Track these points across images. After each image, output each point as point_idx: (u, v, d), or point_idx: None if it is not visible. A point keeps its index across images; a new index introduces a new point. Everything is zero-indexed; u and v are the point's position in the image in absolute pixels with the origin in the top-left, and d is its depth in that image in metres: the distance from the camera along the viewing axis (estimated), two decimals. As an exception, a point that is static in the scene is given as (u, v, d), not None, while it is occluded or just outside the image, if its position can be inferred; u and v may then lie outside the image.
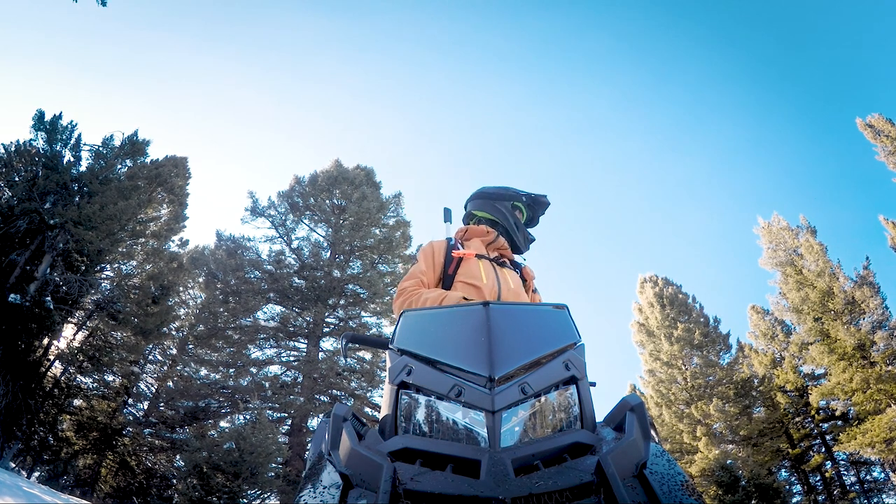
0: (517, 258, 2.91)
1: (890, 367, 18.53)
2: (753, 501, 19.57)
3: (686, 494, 1.20)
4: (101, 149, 18.42)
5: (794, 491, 24.81)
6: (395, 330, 1.71)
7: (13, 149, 16.93)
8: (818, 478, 24.19)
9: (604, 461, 1.18)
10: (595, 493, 1.17)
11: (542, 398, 1.44)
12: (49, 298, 15.28)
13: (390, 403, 1.51)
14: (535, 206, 2.98)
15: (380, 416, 1.62)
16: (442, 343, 1.58)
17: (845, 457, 23.36)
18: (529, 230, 2.97)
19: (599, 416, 1.58)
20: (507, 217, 2.84)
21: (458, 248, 2.71)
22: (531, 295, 2.77)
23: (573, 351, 1.56)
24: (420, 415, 1.44)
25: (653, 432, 1.53)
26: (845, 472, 24.21)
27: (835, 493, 23.43)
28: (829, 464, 23.41)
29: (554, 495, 1.16)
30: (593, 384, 1.71)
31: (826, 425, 23.32)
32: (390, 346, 1.67)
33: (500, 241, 2.76)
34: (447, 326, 1.65)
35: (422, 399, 1.46)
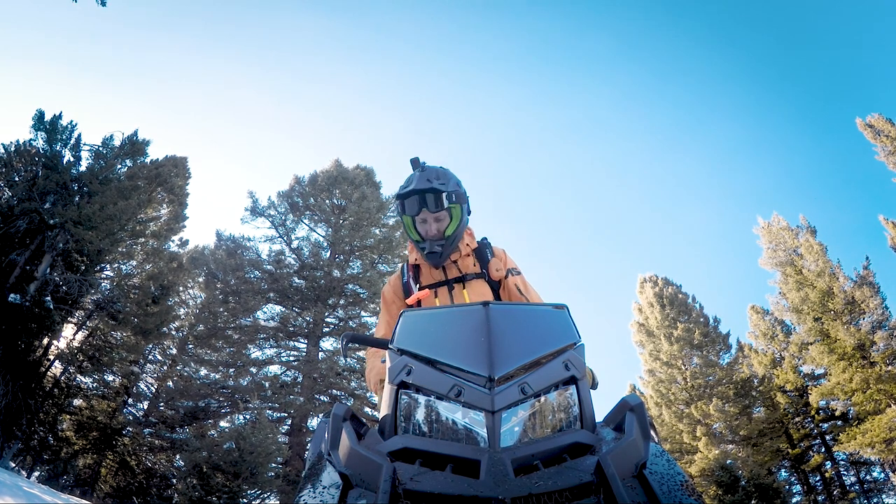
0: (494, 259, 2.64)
1: (890, 367, 18.53)
2: (753, 501, 19.59)
3: (686, 494, 1.20)
4: (100, 149, 18.42)
5: (794, 491, 24.84)
6: (395, 330, 1.71)
7: (13, 149, 16.93)
8: (818, 478, 24.20)
9: (603, 461, 1.18)
10: (595, 494, 1.18)
11: (542, 398, 1.44)
12: (49, 298, 15.28)
13: (390, 403, 1.51)
14: (409, 199, 2.46)
15: (379, 415, 1.62)
16: (442, 343, 1.57)
17: (845, 457, 23.36)
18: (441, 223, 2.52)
19: (599, 416, 1.58)
20: (410, 237, 2.60)
21: (412, 287, 2.60)
22: (505, 281, 2.57)
23: (573, 351, 1.56)
24: (420, 415, 1.45)
25: (652, 432, 1.54)
26: (845, 473, 24.22)
27: (835, 493, 23.44)
28: (828, 464, 23.42)
29: (554, 495, 1.16)
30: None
31: (826, 425, 23.33)
32: (390, 346, 1.67)
33: (446, 259, 2.57)
34: (447, 326, 1.65)
35: (421, 399, 1.46)
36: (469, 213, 2.63)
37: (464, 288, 2.53)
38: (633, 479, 1.24)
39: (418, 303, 2.54)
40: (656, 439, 1.55)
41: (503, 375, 1.41)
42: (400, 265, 2.79)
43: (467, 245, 2.63)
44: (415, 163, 2.58)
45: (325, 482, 1.31)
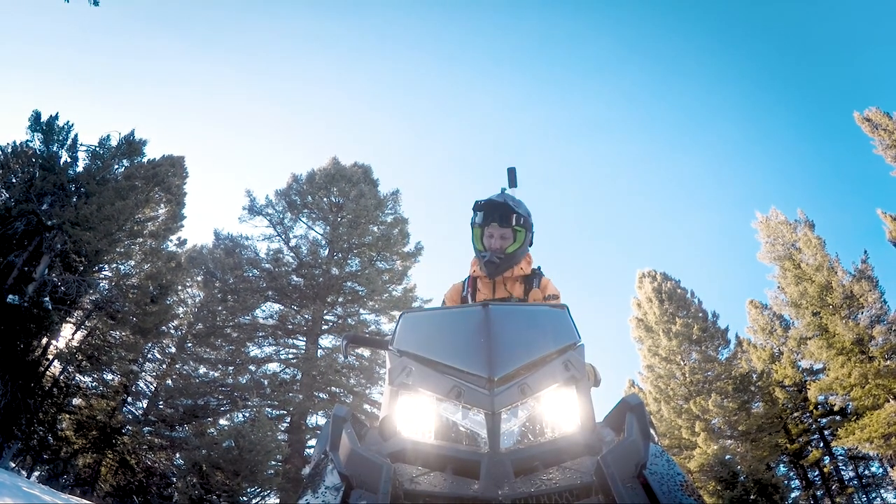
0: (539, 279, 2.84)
1: (888, 362, 18.48)
2: (752, 497, 19.65)
3: (686, 495, 1.19)
4: (97, 149, 18.35)
5: (793, 486, 24.94)
6: (394, 331, 1.71)
7: (10, 150, 16.87)
8: (817, 473, 24.27)
9: (603, 462, 1.18)
10: (595, 494, 1.18)
11: (542, 399, 1.44)
12: (48, 299, 15.24)
13: (390, 405, 1.51)
14: (484, 210, 2.72)
15: (380, 416, 1.62)
16: (441, 344, 1.57)
17: (844, 452, 23.41)
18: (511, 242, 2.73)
19: (599, 416, 1.58)
20: (474, 246, 2.80)
21: (469, 301, 2.83)
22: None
23: (573, 351, 1.56)
24: (420, 416, 1.45)
25: (652, 432, 1.53)
26: (844, 468, 24.30)
27: (833, 488, 23.53)
28: (827, 459, 23.48)
29: (553, 497, 1.16)
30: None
31: (824, 420, 23.39)
32: (390, 348, 1.66)
33: (501, 274, 2.76)
34: (447, 327, 1.65)
35: (422, 400, 1.46)
36: (531, 243, 2.87)
37: None
38: (633, 480, 1.23)
39: None
40: (656, 439, 1.55)
41: (503, 376, 1.41)
42: (464, 278, 3.02)
43: (521, 269, 2.82)
44: (511, 172, 2.90)
45: (327, 483, 1.31)
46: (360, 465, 1.29)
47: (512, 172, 2.91)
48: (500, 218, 2.69)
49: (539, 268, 2.93)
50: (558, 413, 1.45)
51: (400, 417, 1.46)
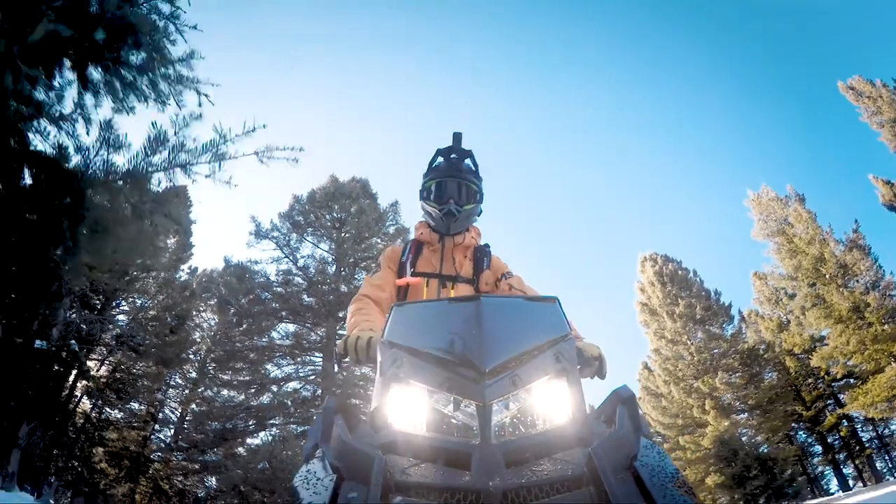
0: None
1: (885, 326, 18.58)
2: (753, 472, 19.70)
3: (675, 487, 1.24)
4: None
5: (814, 451, 24.78)
6: (385, 323, 1.73)
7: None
8: (836, 437, 24.04)
9: (594, 453, 1.20)
10: (586, 486, 1.24)
11: (533, 390, 1.48)
12: (74, 341, 15.51)
13: (381, 396, 1.52)
14: (440, 170, 2.60)
15: (370, 409, 1.61)
16: (433, 336, 1.58)
17: (860, 414, 23.28)
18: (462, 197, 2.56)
19: (590, 408, 1.62)
20: (426, 209, 2.64)
21: (407, 270, 2.63)
22: (497, 286, 2.58)
23: (564, 343, 1.58)
24: (411, 408, 1.46)
25: (644, 425, 1.56)
26: (862, 429, 24.04)
27: (856, 449, 23.30)
28: (845, 422, 23.27)
29: (545, 487, 1.22)
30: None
31: (837, 385, 23.22)
32: (381, 340, 1.70)
33: (448, 242, 2.65)
34: (438, 319, 1.66)
35: (413, 392, 1.47)
36: (480, 212, 2.73)
37: (452, 287, 2.57)
38: (624, 472, 1.22)
39: (406, 286, 2.57)
40: (647, 432, 1.55)
41: (494, 368, 1.40)
42: (403, 240, 2.85)
43: (472, 238, 2.70)
44: (457, 137, 2.66)
45: (318, 476, 1.27)
46: (350, 456, 1.27)
47: (457, 138, 2.68)
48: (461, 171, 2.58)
49: (488, 245, 2.76)
50: (549, 404, 1.43)
51: (391, 409, 1.46)
